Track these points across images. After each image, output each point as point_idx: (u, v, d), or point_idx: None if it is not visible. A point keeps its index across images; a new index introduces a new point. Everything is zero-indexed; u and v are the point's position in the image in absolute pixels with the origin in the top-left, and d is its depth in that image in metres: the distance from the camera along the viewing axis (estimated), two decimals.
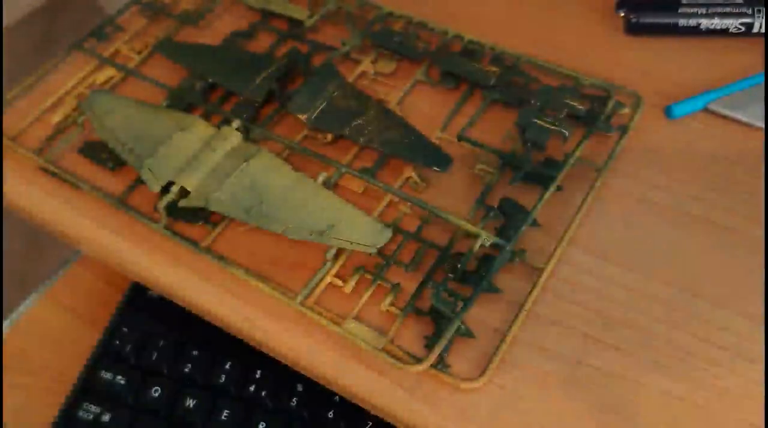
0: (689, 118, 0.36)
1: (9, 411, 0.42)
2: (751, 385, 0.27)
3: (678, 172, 0.34)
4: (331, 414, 0.36)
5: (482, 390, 0.28)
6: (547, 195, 0.32)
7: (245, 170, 0.34)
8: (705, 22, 0.38)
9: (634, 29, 0.39)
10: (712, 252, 0.31)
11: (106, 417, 0.38)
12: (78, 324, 0.45)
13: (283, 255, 0.33)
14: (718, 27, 0.38)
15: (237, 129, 0.36)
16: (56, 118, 0.40)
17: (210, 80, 0.39)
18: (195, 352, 0.39)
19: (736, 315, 0.29)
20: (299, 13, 0.43)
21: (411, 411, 0.28)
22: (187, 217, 0.34)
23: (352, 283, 0.31)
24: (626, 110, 0.36)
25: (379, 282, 0.31)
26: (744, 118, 0.35)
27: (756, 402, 0.27)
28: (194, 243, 0.33)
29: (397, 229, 0.32)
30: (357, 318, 0.30)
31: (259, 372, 0.38)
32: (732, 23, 0.38)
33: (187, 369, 0.39)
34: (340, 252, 0.32)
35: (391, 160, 0.35)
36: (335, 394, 0.35)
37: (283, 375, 0.38)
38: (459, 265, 0.30)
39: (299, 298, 0.31)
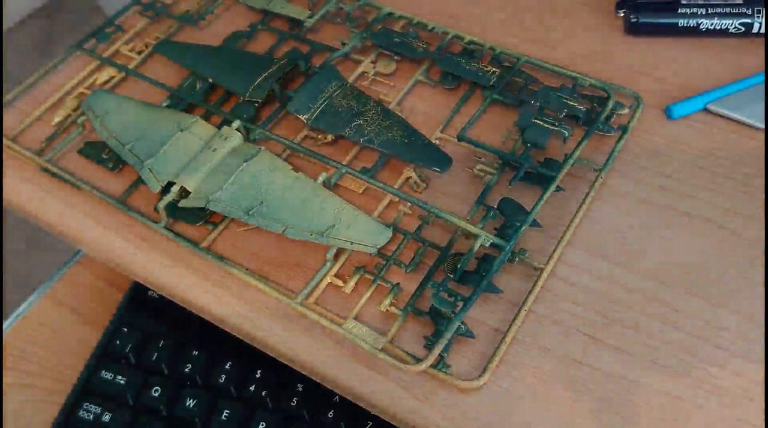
0: (689, 118, 0.36)
1: (9, 411, 0.42)
2: (751, 385, 0.27)
3: (678, 172, 0.34)
4: (331, 414, 0.36)
5: (482, 390, 0.28)
6: (547, 195, 0.32)
7: (245, 170, 0.34)
8: (705, 22, 0.38)
9: (634, 29, 0.39)
10: (711, 252, 0.31)
11: (106, 417, 0.38)
12: (78, 324, 0.45)
13: (283, 255, 0.33)
14: (718, 27, 0.38)
15: (237, 129, 0.36)
16: (56, 118, 0.40)
17: (210, 80, 0.39)
18: (195, 352, 0.39)
19: (736, 315, 0.29)
20: (299, 13, 0.43)
21: (411, 411, 0.28)
22: (187, 217, 0.34)
23: (352, 283, 0.31)
24: (626, 110, 0.36)
25: (379, 282, 0.31)
26: (744, 118, 0.35)
27: (756, 402, 0.27)
28: (194, 243, 0.33)
29: (397, 229, 0.32)
30: (357, 318, 0.30)
31: (259, 372, 0.38)
32: (732, 23, 0.38)
33: (187, 369, 0.39)
34: (340, 252, 0.32)
35: (391, 160, 0.35)
36: (335, 394, 0.35)
37: (283, 375, 0.38)
38: (459, 265, 0.30)
39: (299, 298, 0.31)
